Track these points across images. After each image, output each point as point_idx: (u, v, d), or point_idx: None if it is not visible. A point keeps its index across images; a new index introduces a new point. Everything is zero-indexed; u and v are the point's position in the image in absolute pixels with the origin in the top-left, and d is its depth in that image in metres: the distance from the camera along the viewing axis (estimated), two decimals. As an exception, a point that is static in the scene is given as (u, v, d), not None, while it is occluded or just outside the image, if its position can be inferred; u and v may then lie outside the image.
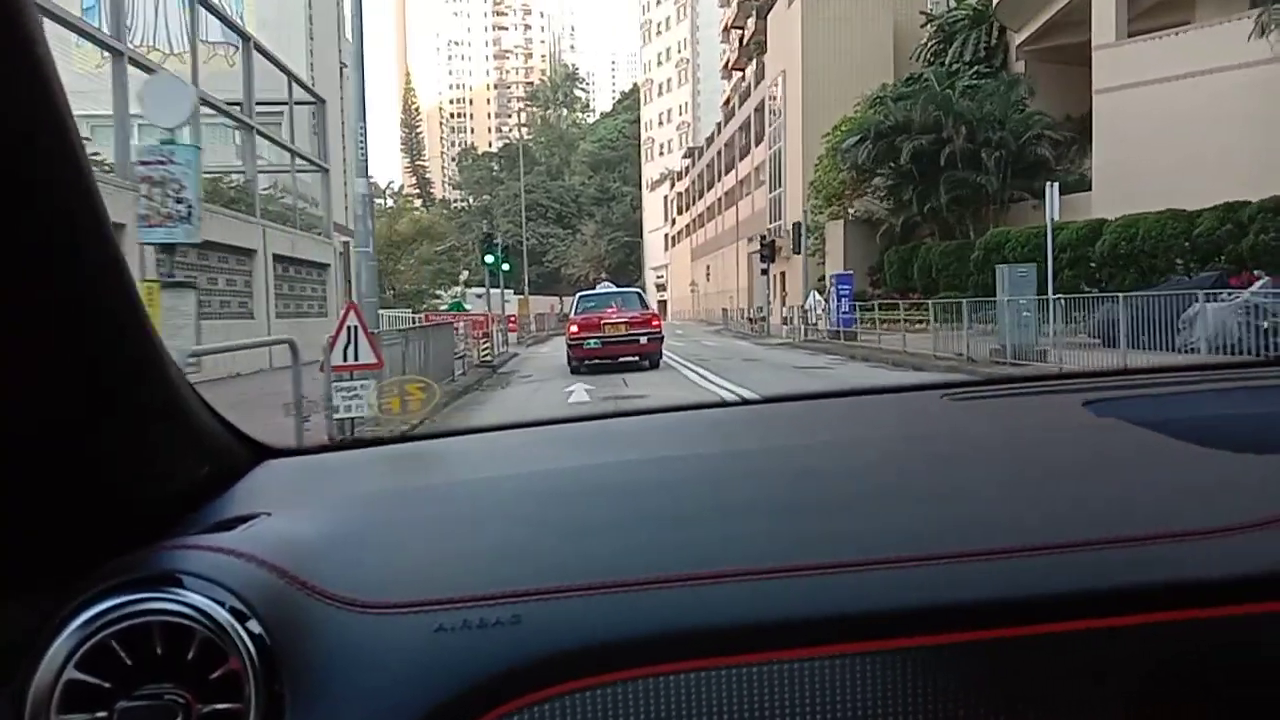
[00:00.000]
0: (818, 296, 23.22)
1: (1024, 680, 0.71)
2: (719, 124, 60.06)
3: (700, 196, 65.00)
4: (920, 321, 22.97)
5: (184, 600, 0.68)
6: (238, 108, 17.45)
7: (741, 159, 49.83)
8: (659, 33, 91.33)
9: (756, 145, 45.38)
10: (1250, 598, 0.71)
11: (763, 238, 29.31)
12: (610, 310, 15.98)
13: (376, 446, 1.22)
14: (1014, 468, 0.91)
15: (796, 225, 24.31)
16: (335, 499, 0.94)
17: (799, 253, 24.54)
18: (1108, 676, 0.71)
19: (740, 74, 58.22)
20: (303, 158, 20.18)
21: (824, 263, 33.28)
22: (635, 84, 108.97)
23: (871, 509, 0.83)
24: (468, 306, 44.77)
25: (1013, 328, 12.66)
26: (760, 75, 44.63)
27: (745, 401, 1.32)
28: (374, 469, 1.10)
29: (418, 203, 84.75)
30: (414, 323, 17.88)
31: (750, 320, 33.20)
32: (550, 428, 1.22)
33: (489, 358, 17.05)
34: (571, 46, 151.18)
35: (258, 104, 17.69)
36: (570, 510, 0.87)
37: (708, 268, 61.87)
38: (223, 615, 0.68)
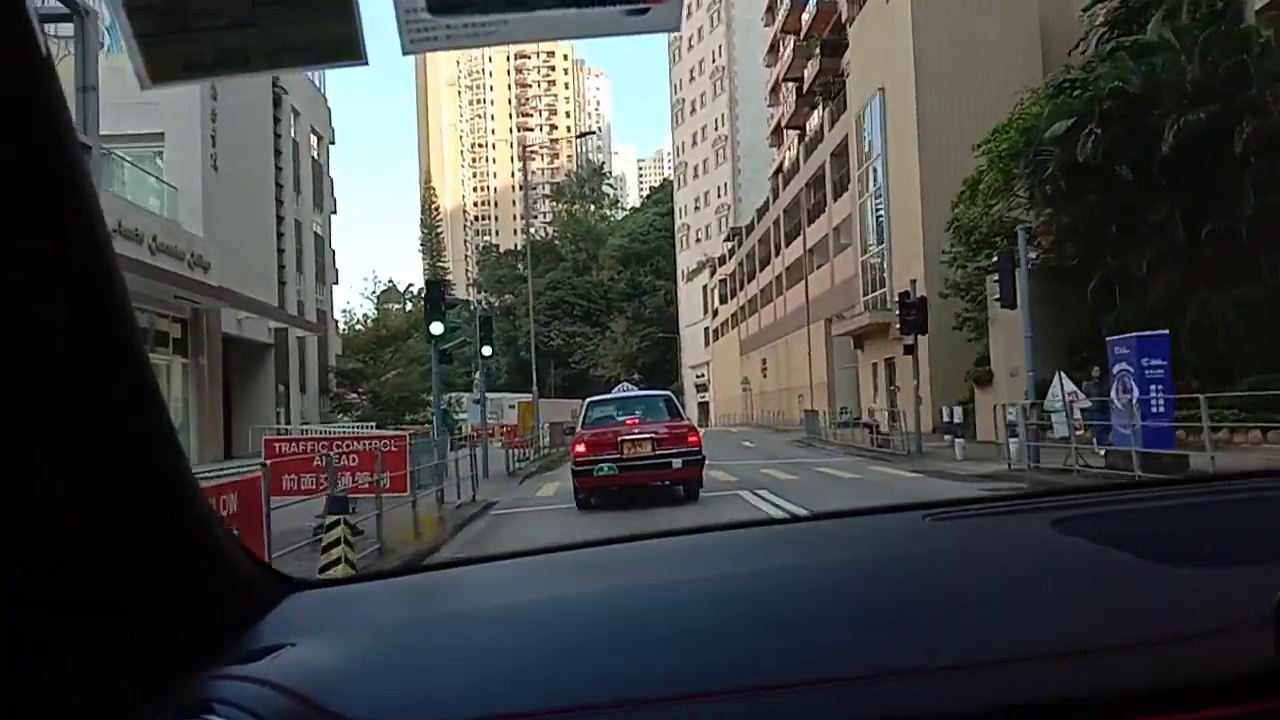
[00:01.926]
0: (1069, 383, 12.42)
1: None
2: (773, 190, 50.66)
3: (750, 279, 55.13)
4: (1221, 425, 12.44)
5: None
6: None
7: (811, 222, 39.88)
8: (693, 111, 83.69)
9: (836, 199, 35.43)
10: (1217, 701, 0.74)
11: (904, 296, 18.50)
12: (630, 422, 12.38)
13: (393, 578, 1.30)
14: (989, 584, 0.96)
15: (1007, 254, 13.69)
16: (356, 629, 1.01)
17: (1010, 307, 13.95)
18: None
19: (798, 131, 49.16)
20: None
21: (976, 337, 22.55)
22: (665, 179, 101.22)
23: (855, 626, 0.88)
24: (462, 415, 34.20)
25: None
26: (839, 110, 35.06)
27: (730, 526, 1.39)
28: (391, 600, 1.17)
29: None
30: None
31: (869, 427, 22.08)
32: (555, 555, 1.34)
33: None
34: (598, 147, 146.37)
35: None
36: (573, 635, 0.92)
37: (764, 361, 51.40)
38: None
